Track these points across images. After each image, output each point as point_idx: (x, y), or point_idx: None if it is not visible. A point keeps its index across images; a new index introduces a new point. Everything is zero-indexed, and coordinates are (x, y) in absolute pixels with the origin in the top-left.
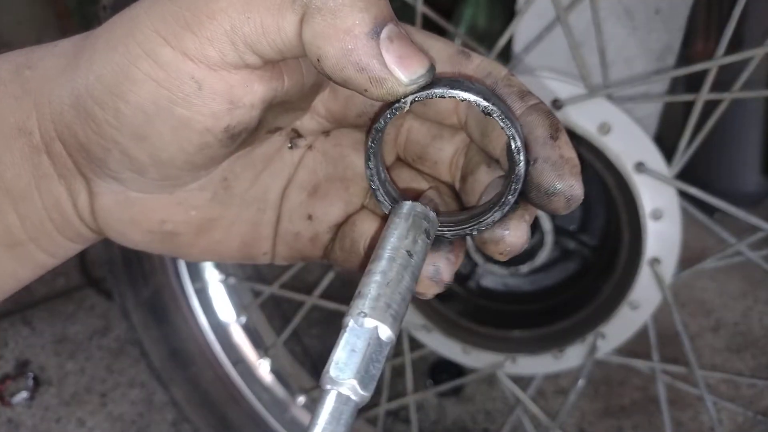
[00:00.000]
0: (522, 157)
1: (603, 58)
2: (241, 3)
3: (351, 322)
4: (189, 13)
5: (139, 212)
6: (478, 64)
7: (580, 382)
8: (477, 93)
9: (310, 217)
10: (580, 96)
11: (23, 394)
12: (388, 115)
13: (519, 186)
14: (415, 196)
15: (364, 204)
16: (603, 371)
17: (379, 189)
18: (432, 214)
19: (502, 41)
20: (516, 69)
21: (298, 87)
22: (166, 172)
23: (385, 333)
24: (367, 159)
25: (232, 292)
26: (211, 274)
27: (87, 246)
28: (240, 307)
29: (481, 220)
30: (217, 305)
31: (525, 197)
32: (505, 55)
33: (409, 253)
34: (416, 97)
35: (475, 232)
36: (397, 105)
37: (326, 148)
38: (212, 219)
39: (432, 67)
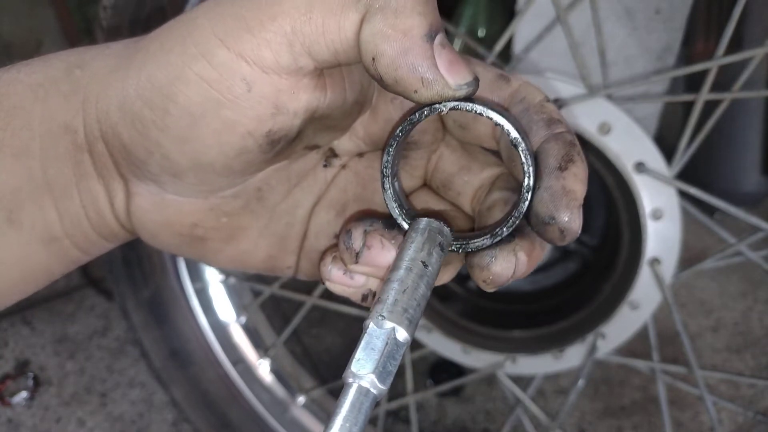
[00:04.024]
0: (529, 197)
1: (603, 58)
2: (304, 4)
3: (371, 324)
4: (250, 15)
5: (173, 215)
6: (516, 89)
7: (580, 382)
8: (512, 123)
9: (336, 237)
10: (580, 96)
11: (23, 394)
12: (426, 112)
13: (517, 221)
14: (426, 213)
15: None
16: (603, 371)
17: (388, 177)
18: (446, 230)
19: (502, 41)
20: (516, 69)
21: (339, 101)
22: (204, 176)
23: (402, 335)
24: (389, 145)
25: (232, 292)
26: (212, 274)
27: (119, 244)
28: (240, 307)
29: (470, 241)
30: (217, 305)
31: (528, 223)
32: (506, 55)
33: (425, 264)
34: (457, 105)
35: (460, 251)
36: (436, 106)
37: (359, 168)
38: (242, 228)
39: (477, 79)
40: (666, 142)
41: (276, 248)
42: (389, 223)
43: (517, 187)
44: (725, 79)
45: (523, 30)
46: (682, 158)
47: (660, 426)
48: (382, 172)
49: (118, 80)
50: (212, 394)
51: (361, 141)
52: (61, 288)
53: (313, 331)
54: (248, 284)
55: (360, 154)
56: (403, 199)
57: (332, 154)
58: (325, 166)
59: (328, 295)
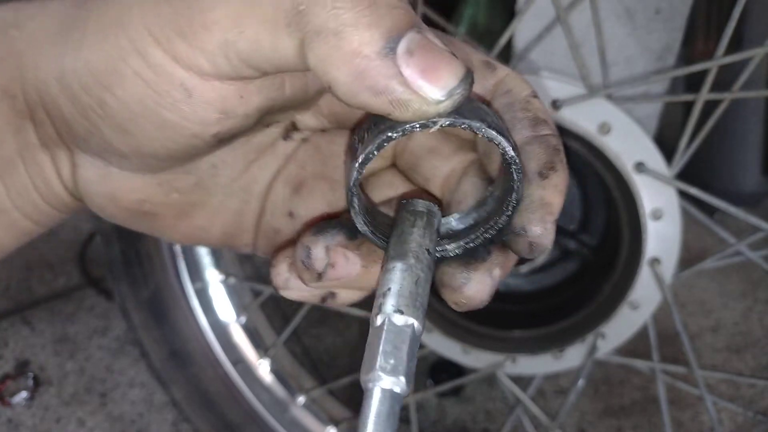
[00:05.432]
0: (511, 213)
1: (603, 58)
2: (234, 16)
3: (388, 320)
4: (183, 20)
5: (119, 189)
6: (502, 79)
7: (580, 382)
8: (509, 141)
9: (291, 215)
10: (580, 96)
11: (23, 394)
12: (399, 133)
13: (492, 234)
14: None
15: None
16: (603, 371)
17: (356, 195)
18: (440, 214)
19: (502, 41)
20: (516, 69)
21: (300, 94)
22: (148, 161)
23: (419, 329)
24: (356, 172)
25: (232, 292)
26: (212, 274)
27: (72, 214)
28: (240, 307)
29: (439, 246)
30: (217, 305)
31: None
32: (506, 55)
33: (429, 252)
34: (447, 122)
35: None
36: (413, 126)
37: (320, 143)
38: (194, 204)
39: (467, 75)
40: (666, 142)
41: (232, 225)
42: (351, 230)
43: (489, 177)
44: (725, 79)
45: (523, 30)
46: (682, 158)
47: (660, 426)
48: (350, 191)
49: (56, 55)
50: (212, 394)
51: (325, 119)
52: (61, 288)
53: (313, 331)
54: (248, 284)
55: (323, 130)
56: (371, 206)
57: (293, 127)
58: (285, 139)
59: None
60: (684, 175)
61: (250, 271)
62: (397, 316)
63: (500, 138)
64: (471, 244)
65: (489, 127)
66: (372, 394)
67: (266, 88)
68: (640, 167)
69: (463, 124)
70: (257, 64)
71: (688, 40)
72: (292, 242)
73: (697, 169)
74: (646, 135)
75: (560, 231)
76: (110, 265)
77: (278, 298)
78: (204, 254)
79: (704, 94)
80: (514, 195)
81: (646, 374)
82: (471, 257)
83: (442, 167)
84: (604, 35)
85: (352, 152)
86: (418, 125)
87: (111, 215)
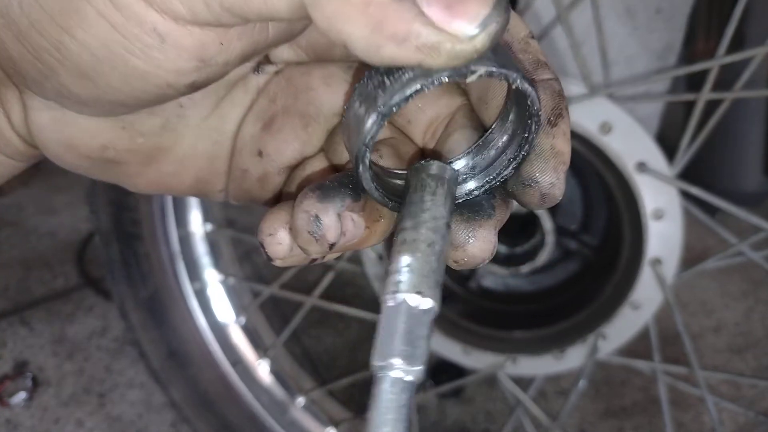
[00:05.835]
0: (519, 164)
1: (604, 58)
2: None
3: (405, 302)
4: None
5: (77, 135)
6: None
7: (581, 383)
8: (537, 93)
9: (260, 154)
10: (581, 95)
11: (22, 395)
12: (426, 82)
13: (494, 186)
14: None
15: (324, 148)
16: (604, 372)
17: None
18: (457, 176)
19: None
20: None
21: (286, 33)
22: (111, 108)
23: (437, 311)
24: (364, 148)
25: (232, 293)
26: (210, 275)
27: (31, 163)
28: (239, 308)
29: None
30: (216, 306)
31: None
32: None
33: (448, 225)
34: (484, 70)
35: None
36: (438, 75)
37: (293, 74)
38: (162, 148)
39: (501, 4)
40: (667, 142)
41: (205, 170)
42: (354, 190)
43: (479, 125)
44: (727, 78)
45: None
46: (683, 158)
47: (661, 427)
48: (365, 145)
49: None
50: (211, 395)
51: (303, 51)
52: (60, 288)
53: (313, 332)
54: (248, 284)
55: (298, 62)
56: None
57: (266, 60)
58: (256, 71)
59: (328, 295)
60: (685, 175)
61: (249, 271)
62: (415, 297)
63: (532, 91)
64: (471, 196)
65: (523, 78)
66: (386, 382)
67: (248, 33)
68: (641, 167)
69: (501, 74)
70: (242, 13)
71: (689, 39)
72: (276, 200)
73: (699, 169)
74: (647, 135)
75: (561, 231)
76: (109, 266)
77: (278, 299)
78: (203, 254)
79: (705, 94)
80: (527, 147)
81: (648, 375)
82: (474, 212)
83: (427, 110)
84: (605, 34)
85: (365, 96)
86: (452, 73)
87: (69, 164)
